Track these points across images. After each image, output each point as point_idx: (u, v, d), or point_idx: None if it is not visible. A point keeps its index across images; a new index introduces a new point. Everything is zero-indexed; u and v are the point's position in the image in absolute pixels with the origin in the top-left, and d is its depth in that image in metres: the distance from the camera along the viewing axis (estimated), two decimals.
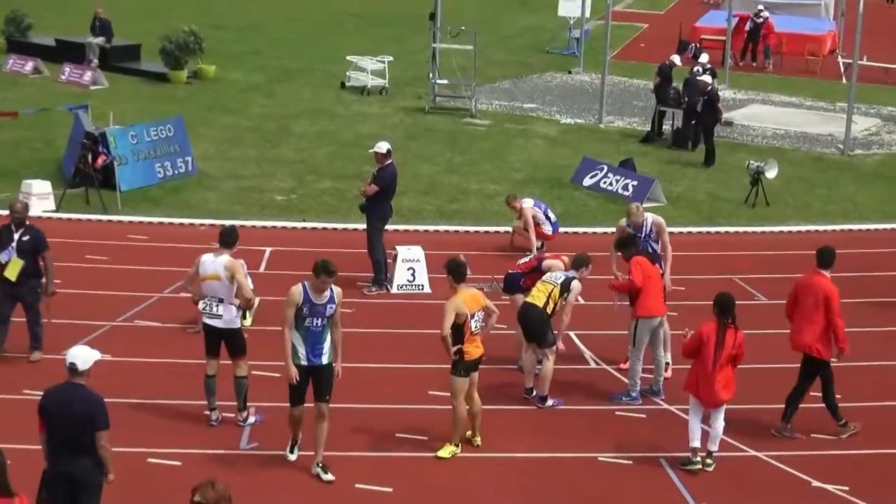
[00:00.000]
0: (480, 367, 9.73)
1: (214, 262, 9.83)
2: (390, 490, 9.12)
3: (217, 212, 16.49)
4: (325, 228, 16.14)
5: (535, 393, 10.83)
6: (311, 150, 20.39)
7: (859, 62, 22.39)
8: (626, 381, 11.08)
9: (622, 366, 11.50)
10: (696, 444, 9.58)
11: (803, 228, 17.05)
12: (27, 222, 11.14)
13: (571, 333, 11.61)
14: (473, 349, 9.54)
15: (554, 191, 18.26)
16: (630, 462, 9.76)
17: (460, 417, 9.60)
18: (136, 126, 17.94)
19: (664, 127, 22.20)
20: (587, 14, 30.64)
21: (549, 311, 10.63)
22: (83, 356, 7.51)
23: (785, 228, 17.05)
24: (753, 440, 10.15)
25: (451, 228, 16.39)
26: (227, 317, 9.79)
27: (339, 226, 16.14)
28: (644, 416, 10.69)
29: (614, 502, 9.26)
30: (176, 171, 18.02)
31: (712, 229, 16.89)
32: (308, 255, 13.56)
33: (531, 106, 24.94)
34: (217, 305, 9.76)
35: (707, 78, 21.15)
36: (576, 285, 10.74)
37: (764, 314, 12.78)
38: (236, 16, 35.40)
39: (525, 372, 11.01)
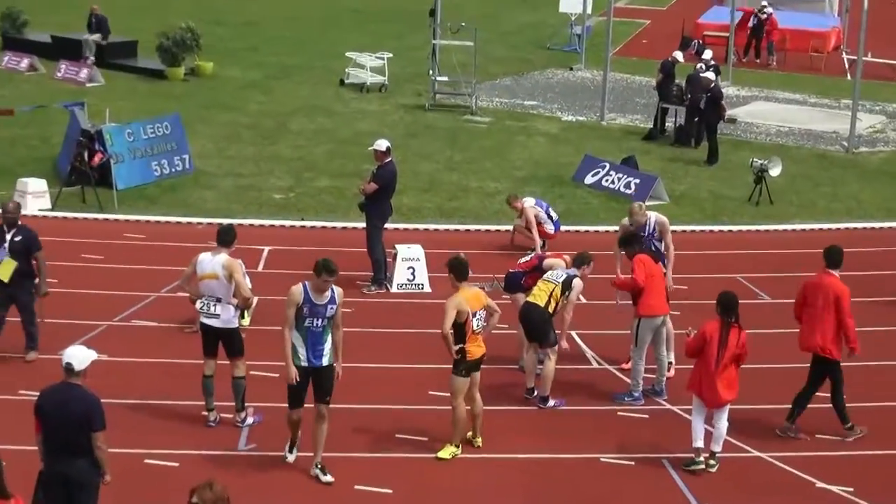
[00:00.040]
0: (482, 366, 9.67)
1: (212, 261, 9.79)
2: (390, 491, 9.07)
3: (215, 210, 16.43)
4: (323, 227, 16.09)
5: (536, 393, 10.79)
6: (309, 148, 20.33)
7: (864, 59, 22.27)
8: (628, 381, 11.04)
9: (624, 366, 11.45)
10: (700, 444, 9.53)
11: (807, 227, 16.99)
12: (19, 222, 11.05)
13: (573, 333, 11.52)
14: (475, 349, 9.49)
15: (555, 189, 18.20)
16: (632, 463, 9.71)
17: (460, 418, 9.56)
18: (132, 124, 17.86)
19: (667, 124, 22.11)
20: (589, 10, 30.57)
21: (550, 310, 10.58)
22: (80, 356, 7.49)
23: (789, 227, 17.00)
24: (757, 441, 10.11)
25: (452, 227, 16.34)
26: (224, 316, 9.75)
27: (338, 224, 16.10)
28: (646, 416, 10.65)
29: (616, 503, 9.17)
30: (173, 170, 17.94)
31: (715, 228, 16.82)
32: (307, 254, 13.56)
33: (532, 103, 24.86)
34: (215, 305, 9.72)
35: (710, 75, 21.05)
36: (577, 283, 10.68)
37: (768, 313, 12.76)
38: (234, 12, 35.32)
39: (526, 372, 10.96)
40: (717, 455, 9.60)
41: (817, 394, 10.29)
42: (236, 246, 10.11)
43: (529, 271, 11.37)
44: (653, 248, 11.38)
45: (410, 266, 13.67)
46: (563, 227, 15.54)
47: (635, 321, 10.81)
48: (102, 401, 7.50)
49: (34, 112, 20.11)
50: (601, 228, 16.19)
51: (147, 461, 9.29)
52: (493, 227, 16.25)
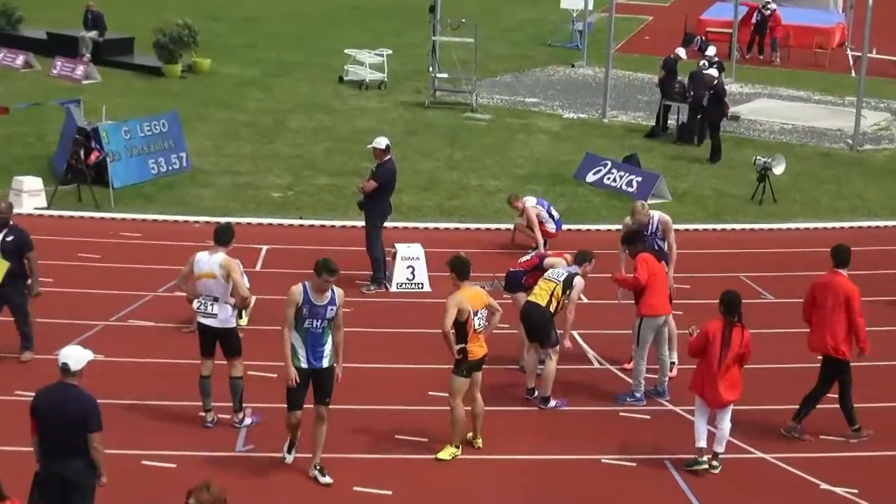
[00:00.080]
0: (483, 367, 9.60)
1: (209, 260, 9.76)
2: (389, 493, 9.02)
3: (212, 209, 16.38)
4: (322, 226, 16.05)
5: (537, 394, 10.74)
6: (307, 146, 20.26)
7: (869, 55, 22.19)
8: (630, 381, 10.98)
9: (626, 366, 11.40)
10: (702, 444, 9.49)
11: (811, 225, 16.93)
12: (11, 222, 10.98)
13: (574, 333, 11.45)
14: (477, 349, 9.43)
15: (557, 187, 18.15)
16: (634, 464, 9.66)
17: (459, 418, 9.52)
18: (129, 121, 17.83)
19: (669, 122, 22.03)
20: (590, 6, 30.47)
21: (552, 309, 10.53)
22: (76, 356, 7.47)
23: (792, 225, 16.94)
24: (760, 442, 10.05)
25: (452, 226, 16.30)
26: (222, 316, 9.71)
27: (337, 223, 16.06)
28: (648, 417, 10.60)
29: None
30: (170, 168, 17.89)
31: (718, 226, 16.77)
32: (305, 252, 13.54)
33: (533, 100, 24.78)
34: (212, 304, 9.68)
35: (713, 72, 20.97)
36: (578, 282, 10.62)
37: (771, 313, 12.70)
38: (232, 8, 35.23)
39: (527, 372, 10.91)
40: (720, 456, 9.54)
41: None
42: (234, 245, 10.06)
43: (530, 270, 11.32)
44: (655, 248, 11.30)
45: (410, 265, 13.61)
46: (564, 226, 15.47)
47: (637, 321, 10.76)
48: (99, 401, 7.47)
49: (30, 109, 20.07)
50: (603, 227, 16.14)
51: (144, 462, 9.25)
52: (493, 226, 16.20)
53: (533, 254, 12.10)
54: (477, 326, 9.35)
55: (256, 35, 31.13)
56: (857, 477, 9.48)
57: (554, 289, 10.53)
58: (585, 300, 11.85)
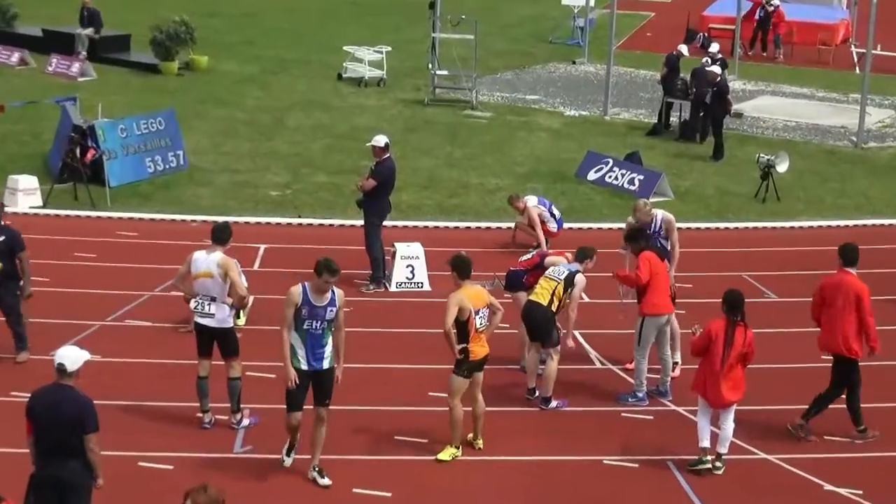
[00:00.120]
0: (484, 367, 9.55)
1: (207, 260, 9.72)
2: (389, 495, 8.97)
3: (210, 207, 16.34)
4: (321, 225, 16.00)
5: (538, 394, 10.68)
6: (306, 144, 20.21)
7: (873, 52, 22.08)
8: (632, 381, 10.91)
9: (628, 366, 11.33)
10: (706, 444, 9.44)
11: (815, 223, 16.87)
12: (3, 222, 10.93)
13: (576, 332, 11.38)
14: (479, 349, 9.38)
15: (558, 185, 18.11)
16: (636, 465, 9.61)
17: (457, 418, 9.47)
18: (125, 119, 17.76)
19: (671, 119, 21.98)
20: (591, 2, 30.39)
21: (553, 308, 10.46)
22: (72, 357, 7.45)
23: (796, 224, 16.89)
24: (764, 442, 9.98)
25: (452, 224, 16.25)
26: (219, 316, 9.67)
27: (336, 222, 16.01)
28: (651, 417, 10.54)
29: None
30: (167, 166, 17.83)
31: (721, 225, 16.72)
32: (304, 252, 13.50)
33: (534, 98, 24.72)
34: (209, 304, 9.64)
35: (716, 69, 20.92)
36: (580, 279, 10.56)
37: (774, 312, 12.66)
38: (229, 4, 35.19)
39: (528, 372, 10.86)
40: (724, 457, 9.49)
41: None
42: (232, 244, 10.02)
43: (531, 269, 11.26)
44: (659, 246, 11.22)
45: (409, 264, 13.56)
46: (565, 225, 15.40)
47: (639, 320, 10.70)
48: (95, 402, 7.42)
49: (25, 107, 20.01)
50: (604, 226, 16.09)
51: (141, 464, 9.19)
52: (493, 225, 16.15)
53: (534, 252, 12.07)
54: (478, 326, 9.29)
55: (254, 32, 31.09)
56: (862, 478, 9.42)
57: (555, 287, 10.46)
58: (587, 299, 11.79)
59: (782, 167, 17.70)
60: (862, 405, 10.14)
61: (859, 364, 10.00)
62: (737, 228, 16.61)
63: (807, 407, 10.10)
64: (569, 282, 10.49)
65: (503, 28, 33.28)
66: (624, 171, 18.00)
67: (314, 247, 13.57)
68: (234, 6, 34.90)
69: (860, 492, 9.18)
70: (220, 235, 9.85)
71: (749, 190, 18.05)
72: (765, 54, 30.48)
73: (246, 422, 9.90)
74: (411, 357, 11.40)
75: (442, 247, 13.85)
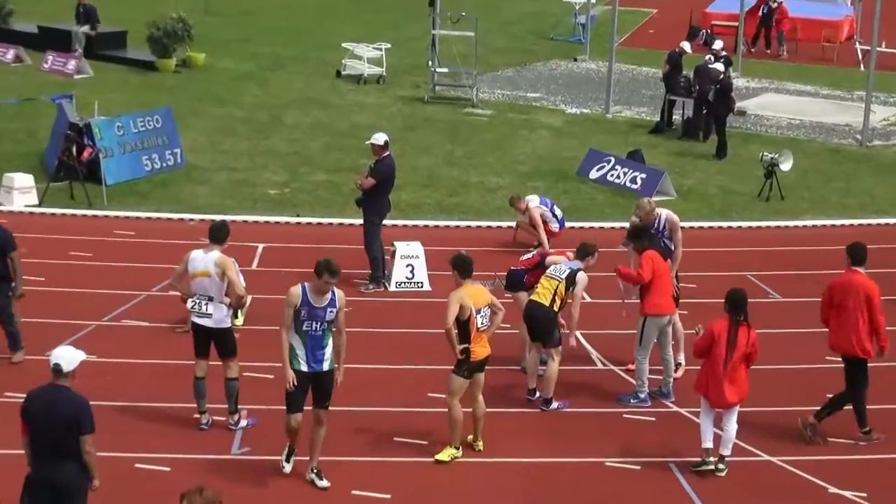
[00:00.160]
0: (485, 368, 9.50)
1: (204, 259, 9.67)
2: (388, 496, 8.92)
3: (207, 206, 16.28)
4: (319, 224, 15.94)
5: (538, 395, 10.62)
6: (304, 142, 20.14)
7: (878, 49, 22.04)
8: (633, 382, 10.81)
9: (630, 367, 11.24)
10: (709, 444, 9.39)
11: (819, 223, 16.82)
12: None
13: (578, 333, 11.29)
14: (480, 349, 9.32)
15: (559, 184, 18.06)
16: (638, 467, 9.55)
17: (456, 419, 9.41)
18: (122, 117, 17.71)
19: (674, 117, 21.91)
20: None
21: (555, 308, 10.40)
22: (68, 357, 7.42)
23: (800, 223, 16.84)
24: (767, 444, 9.92)
25: (452, 223, 16.19)
26: (216, 316, 9.62)
27: (335, 221, 15.95)
28: (653, 418, 10.49)
29: None
30: (164, 164, 17.76)
31: (724, 224, 16.66)
32: (302, 251, 13.44)
33: (535, 95, 24.65)
34: (206, 304, 9.60)
35: (719, 66, 20.85)
36: (581, 277, 10.49)
37: (778, 312, 12.61)
38: (227, 1, 35.03)
39: (528, 373, 10.80)
40: (726, 459, 9.42)
41: None
42: (229, 243, 9.96)
43: (532, 269, 11.20)
44: (662, 245, 11.14)
45: (409, 264, 13.50)
46: (567, 224, 15.32)
47: (641, 320, 10.63)
48: (91, 403, 7.38)
49: (20, 105, 19.97)
50: (606, 224, 16.04)
51: (137, 465, 9.14)
52: (494, 224, 16.10)
53: (534, 252, 12.03)
54: (480, 325, 9.23)
55: (252, 29, 31.02)
56: (867, 480, 9.36)
57: (557, 287, 10.39)
58: (588, 299, 11.72)
59: (786, 166, 17.64)
60: (871, 407, 10.08)
61: (868, 364, 9.93)
62: (740, 228, 16.56)
63: (819, 407, 10.02)
64: (570, 280, 10.42)
65: (504, 25, 33.22)
66: (626, 170, 17.93)
67: (313, 246, 13.60)
68: (231, 4, 34.75)
69: (864, 494, 9.12)
70: (218, 234, 9.80)
71: (752, 189, 17.99)
72: (768, 51, 30.39)
73: (244, 423, 9.85)
74: (411, 357, 11.35)
75: (442, 246, 13.80)
